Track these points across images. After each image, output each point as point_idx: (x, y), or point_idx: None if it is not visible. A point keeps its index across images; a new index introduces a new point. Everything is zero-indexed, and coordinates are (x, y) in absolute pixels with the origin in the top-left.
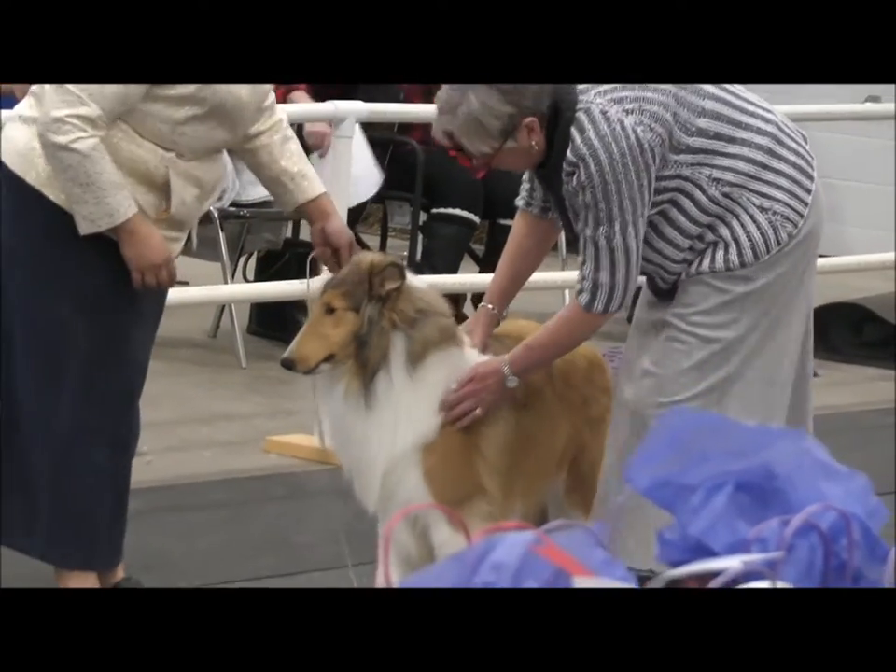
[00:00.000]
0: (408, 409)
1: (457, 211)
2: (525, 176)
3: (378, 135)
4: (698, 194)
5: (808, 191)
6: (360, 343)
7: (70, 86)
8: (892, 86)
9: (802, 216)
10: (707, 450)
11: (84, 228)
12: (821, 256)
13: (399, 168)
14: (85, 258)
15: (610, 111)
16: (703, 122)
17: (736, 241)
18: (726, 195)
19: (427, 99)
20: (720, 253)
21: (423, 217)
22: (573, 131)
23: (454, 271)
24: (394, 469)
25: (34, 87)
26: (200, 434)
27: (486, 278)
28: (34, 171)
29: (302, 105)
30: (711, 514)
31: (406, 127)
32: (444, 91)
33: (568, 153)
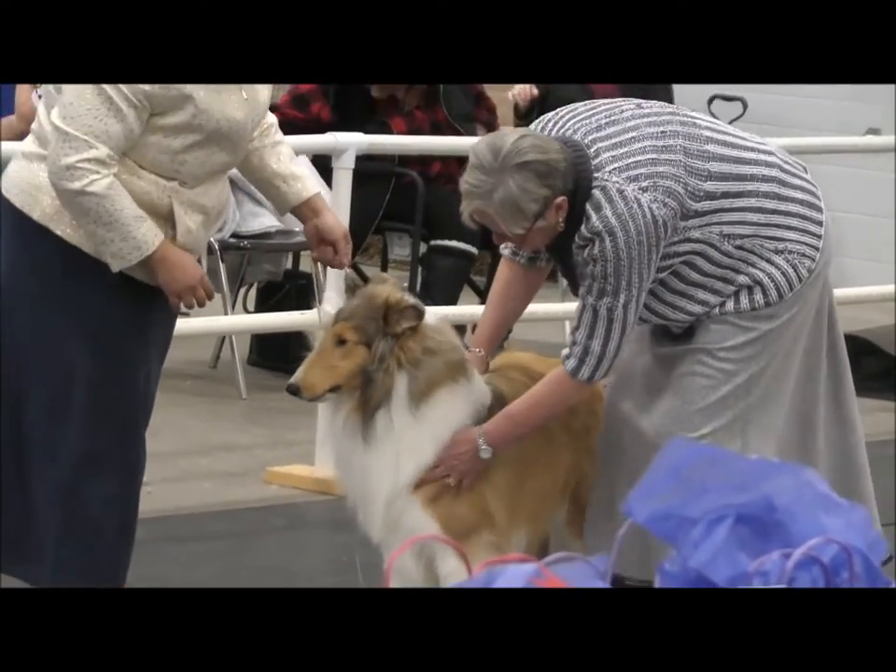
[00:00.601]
0: (410, 443)
1: (455, 243)
2: None
3: (379, 167)
4: (711, 252)
5: (820, 223)
6: (367, 378)
7: (74, 131)
8: (892, 118)
9: (818, 249)
10: (707, 482)
11: (116, 265)
12: None
13: (399, 200)
14: (93, 290)
15: (627, 189)
16: (710, 186)
17: (760, 283)
18: (739, 247)
19: (411, 124)
20: (743, 295)
21: (422, 248)
22: (588, 207)
23: (453, 302)
24: (396, 500)
25: (34, 125)
26: (199, 465)
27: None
28: (38, 208)
29: (302, 137)
30: (712, 547)
31: (404, 159)
32: (472, 175)
33: (583, 228)
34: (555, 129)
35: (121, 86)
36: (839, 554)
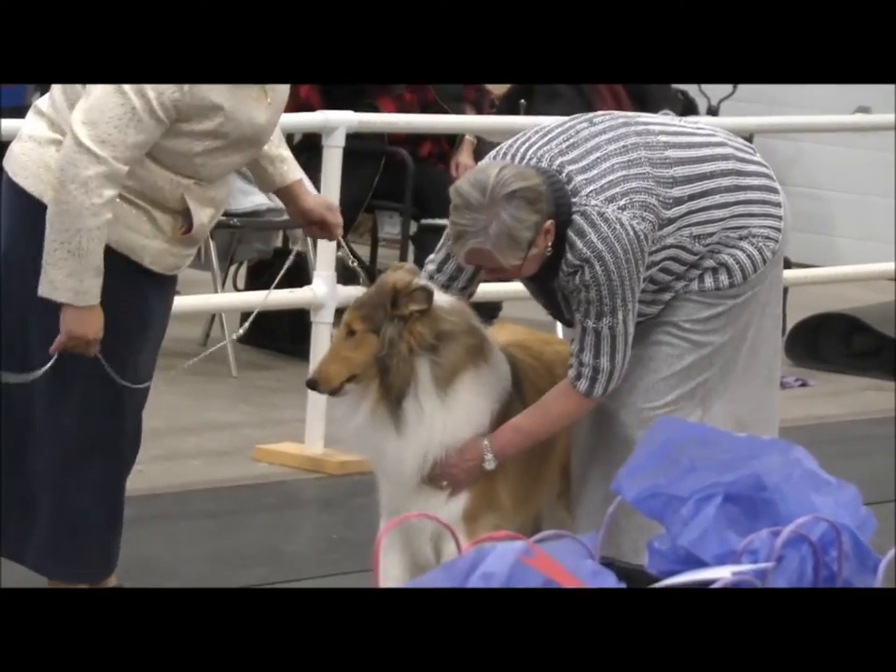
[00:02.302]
0: (443, 428)
1: (446, 221)
2: (435, 264)
3: (369, 146)
4: (683, 254)
5: (779, 205)
6: (382, 366)
7: (90, 143)
8: (882, 97)
9: (780, 230)
10: (695, 461)
11: (43, 289)
12: (811, 266)
13: (389, 178)
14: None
15: (607, 211)
16: (676, 192)
17: (725, 265)
18: (707, 244)
19: (399, 105)
20: (708, 275)
21: (413, 227)
22: (571, 234)
23: None
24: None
25: (45, 107)
26: (189, 443)
27: (478, 288)
28: (50, 190)
29: (293, 116)
30: (701, 525)
31: (394, 138)
32: (461, 217)
33: (569, 256)
34: (516, 161)
35: (149, 94)
36: (828, 532)
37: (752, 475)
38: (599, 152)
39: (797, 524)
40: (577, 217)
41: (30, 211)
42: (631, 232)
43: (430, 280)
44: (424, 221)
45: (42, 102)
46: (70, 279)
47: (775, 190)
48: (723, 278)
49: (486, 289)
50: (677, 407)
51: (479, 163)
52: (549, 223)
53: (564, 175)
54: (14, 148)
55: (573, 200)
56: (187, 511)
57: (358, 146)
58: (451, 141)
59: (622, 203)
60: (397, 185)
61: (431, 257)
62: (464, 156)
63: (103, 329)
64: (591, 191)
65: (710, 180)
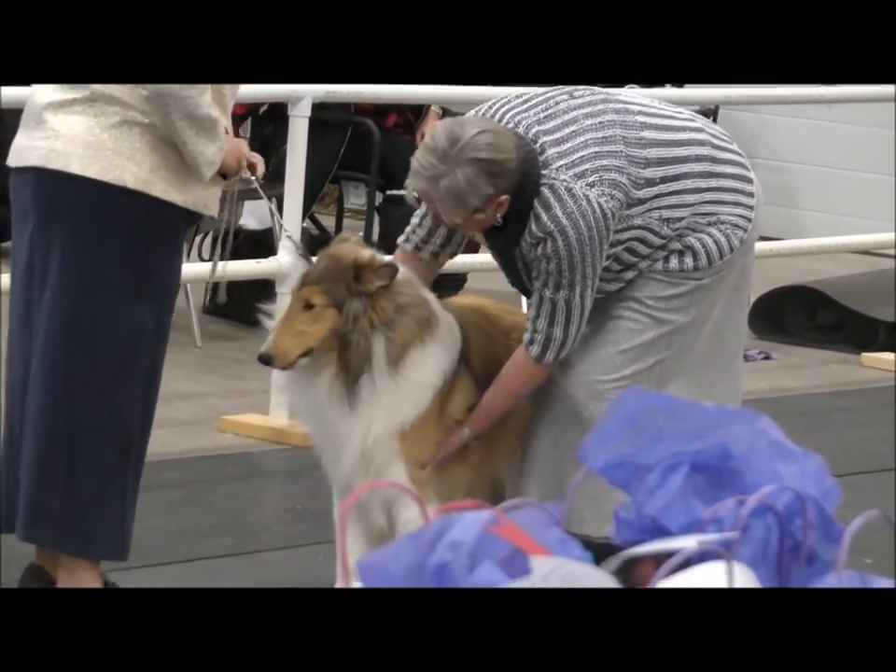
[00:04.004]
0: (388, 403)
1: None
2: (416, 224)
3: (335, 116)
4: (650, 237)
5: (752, 195)
6: (343, 341)
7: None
8: None
9: (750, 220)
10: (662, 430)
11: (208, 171)
12: (775, 239)
13: (356, 149)
14: (165, 252)
15: (575, 187)
16: (649, 173)
17: (691, 248)
18: (676, 228)
19: None
20: (674, 257)
21: (379, 197)
22: (538, 206)
23: None
24: (373, 455)
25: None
26: (155, 413)
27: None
28: (128, 173)
29: (258, 86)
30: (667, 494)
31: (360, 108)
32: (424, 156)
33: (534, 227)
34: (494, 121)
35: None
36: (793, 502)
37: (719, 444)
38: (575, 126)
39: (762, 493)
40: (545, 190)
41: (96, 194)
42: (598, 210)
43: (417, 252)
44: (389, 192)
45: None
46: (216, 143)
47: (748, 180)
48: (688, 261)
49: (452, 262)
50: (633, 381)
51: (467, 114)
52: (504, 198)
53: (538, 144)
54: (61, 131)
55: (543, 172)
56: (152, 481)
57: (324, 116)
58: (417, 112)
59: (591, 179)
60: (362, 155)
61: (418, 211)
62: (429, 126)
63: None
64: (561, 165)
65: (684, 164)
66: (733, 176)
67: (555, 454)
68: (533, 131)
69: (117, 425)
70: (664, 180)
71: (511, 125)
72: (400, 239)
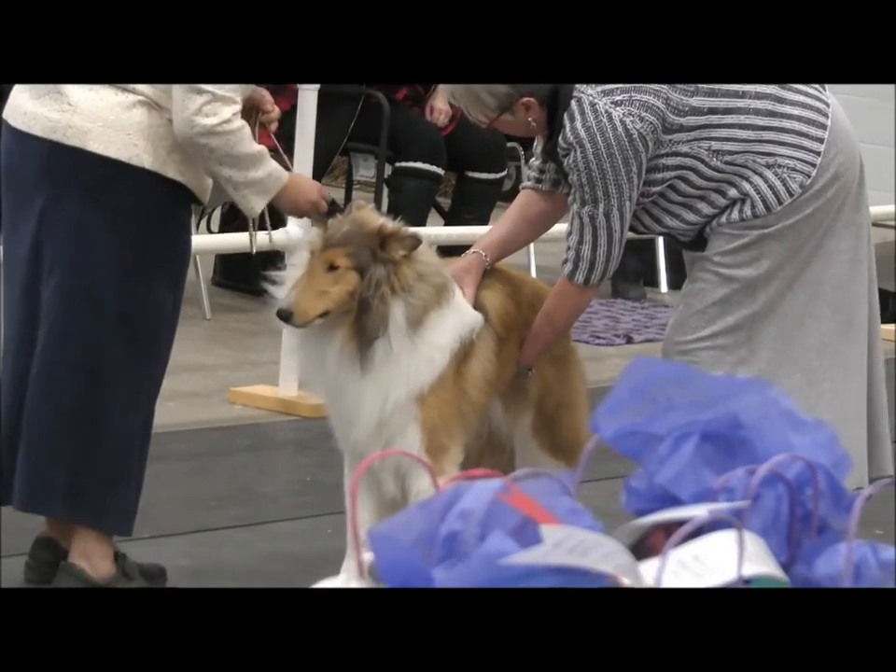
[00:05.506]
0: (406, 367)
1: (421, 164)
2: (536, 154)
3: (345, 88)
4: (701, 167)
5: (820, 140)
6: (362, 304)
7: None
8: None
9: (814, 165)
10: (673, 399)
11: (258, 204)
12: None
13: (365, 121)
14: (179, 232)
15: (599, 103)
16: (696, 101)
17: (748, 195)
18: (729, 163)
19: None
20: (735, 208)
21: (388, 169)
22: (565, 118)
23: (420, 224)
24: (389, 420)
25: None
26: (164, 385)
27: (452, 231)
28: (147, 153)
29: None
30: (678, 463)
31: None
32: None
33: (560, 139)
34: None
35: None
36: (804, 471)
37: (729, 414)
38: None
39: (773, 462)
40: (573, 103)
41: (119, 176)
42: (619, 128)
43: (538, 185)
44: (398, 164)
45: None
46: (269, 174)
47: (820, 125)
48: (747, 209)
49: (464, 232)
50: (714, 343)
51: None
52: (527, 99)
53: None
54: (83, 110)
55: (575, 85)
56: (162, 452)
57: (334, 88)
58: (426, 85)
59: (618, 98)
60: (372, 128)
61: (530, 172)
62: (439, 100)
63: (314, 184)
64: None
65: (741, 99)
66: (799, 119)
67: None
68: None
69: (137, 403)
70: (713, 111)
71: None
72: (526, 180)
